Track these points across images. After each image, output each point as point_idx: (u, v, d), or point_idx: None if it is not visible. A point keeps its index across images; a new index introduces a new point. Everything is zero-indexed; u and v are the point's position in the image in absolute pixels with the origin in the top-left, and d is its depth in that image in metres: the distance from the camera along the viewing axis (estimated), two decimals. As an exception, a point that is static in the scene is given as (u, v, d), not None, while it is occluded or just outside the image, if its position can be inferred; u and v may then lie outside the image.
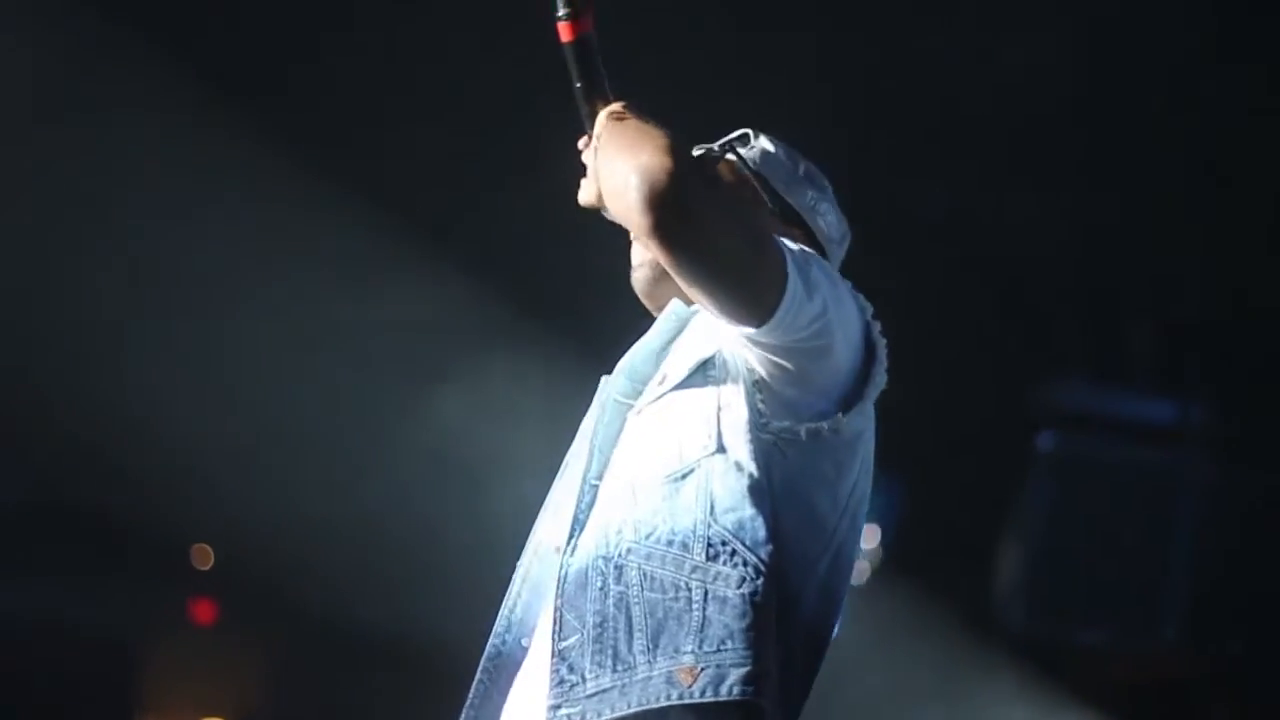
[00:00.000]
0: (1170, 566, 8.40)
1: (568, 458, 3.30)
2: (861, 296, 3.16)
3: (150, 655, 9.29)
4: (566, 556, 3.11)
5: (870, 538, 8.86)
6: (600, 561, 3.08)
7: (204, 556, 8.98)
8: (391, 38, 7.77)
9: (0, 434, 8.23)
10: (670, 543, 3.05)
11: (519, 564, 3.28)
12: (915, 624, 8.21)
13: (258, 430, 7.81)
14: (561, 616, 3.08)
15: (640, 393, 3.23)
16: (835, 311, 3.06)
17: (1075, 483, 8.37)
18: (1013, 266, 8.35)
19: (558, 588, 3.09)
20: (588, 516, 3.14)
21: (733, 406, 3.09)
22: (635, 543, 3.06)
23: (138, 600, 8.95)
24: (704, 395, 3.12)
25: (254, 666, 9.15)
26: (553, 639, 3.08)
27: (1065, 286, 8.45)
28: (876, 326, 3.16)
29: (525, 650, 3.22)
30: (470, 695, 3.24)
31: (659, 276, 3.26)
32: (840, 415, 3.12)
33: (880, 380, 3.16)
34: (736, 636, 2.99)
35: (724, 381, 3.11)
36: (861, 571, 8.93)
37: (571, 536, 3.13)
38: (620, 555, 3.06)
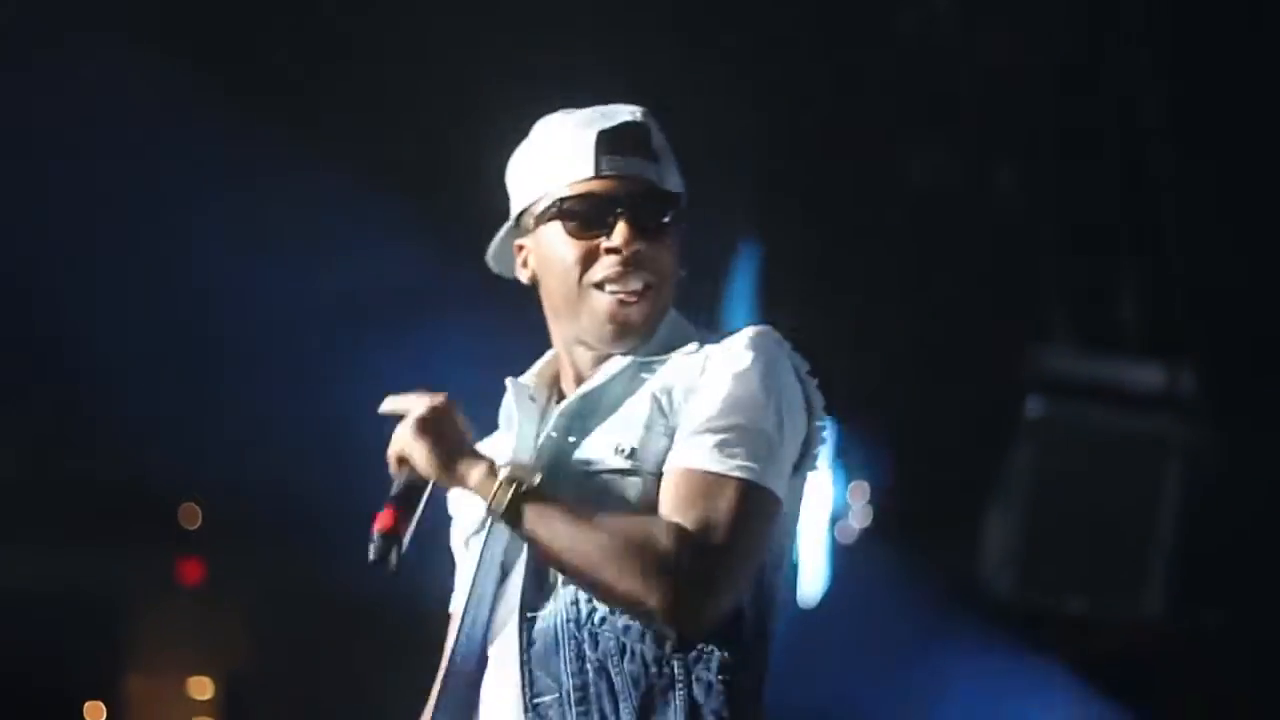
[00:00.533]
0: (1157, 534, 8.40)
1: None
2: (796, 356, 3.15)
3: (138, 616, 9.31)
4: (526, 612, 3.06)
5: (858, 495, 8.88)
6: (572, 626, 3.04)
7: (192, 516, 9.00)
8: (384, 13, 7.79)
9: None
10: None
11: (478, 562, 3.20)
12: (900, 591, 8.23)
13: (247, 391, 7.81)
14: (530, 673, 3.05)
15: (581, 443, 3.14)
16: (790, 424, 3.09)
17: (1063, 448, 8.37)
18: (1001, 232, 8.35)
19: (520, 645, 3.06)
20: (544, 568, 3.09)
21: None
22: (610, 613, 3.03)
23: (126, 561, 8.96)
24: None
25: (240, 626, 9.18)
26: (523, 691, 3.05)
27: (1054, 251, 8.45)
28: (812, 384, 3.15)
29: (484, 658, 3.16)
30: (436, 698, 3.19)
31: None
32: (794, 476, 3.13)
33: (822, 436, 3.17)
34: None
35: None
36: (849, 532, 8.96)
37: (528, 593, 3.08)
38: (594, 624, 3.03)
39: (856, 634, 8.26)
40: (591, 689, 3.02)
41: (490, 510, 3.00)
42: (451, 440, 3.03)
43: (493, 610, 3.13)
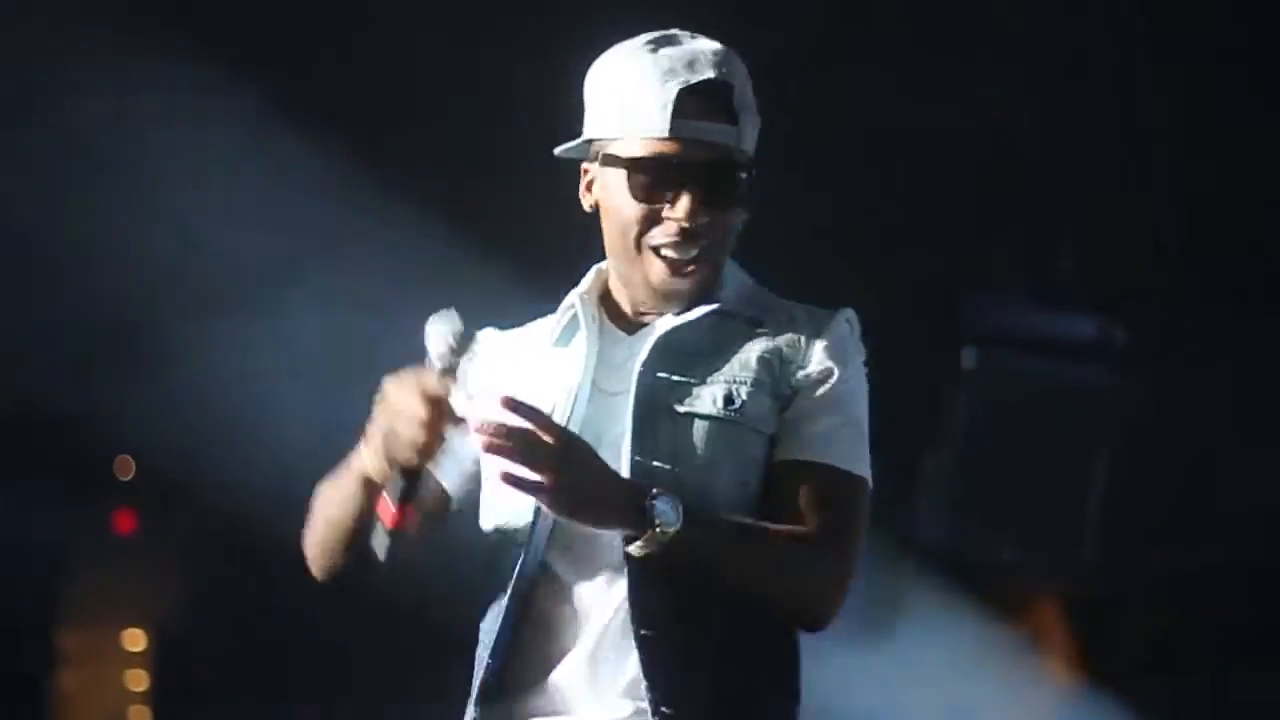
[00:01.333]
0: (1091, 485, 8.45)
1: (595, 381, 3.17)
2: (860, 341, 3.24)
3: (74, 567, 9.25)
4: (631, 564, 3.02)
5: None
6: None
7: (125, 467, 8.94)
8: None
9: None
10: None
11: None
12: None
13: (181, 339, 7.77)
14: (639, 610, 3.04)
15: (678, 384, 3.11)
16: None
17: (998, 399, 8.40)
18: (939, 182, 8.35)
19: (630, 587, 3.03)
20: None
21: None
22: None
23: (61, 511, 8.91)
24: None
25: (174, 578, 9.13)
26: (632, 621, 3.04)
27: (991, 202, 8.46)
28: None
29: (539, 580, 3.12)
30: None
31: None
32: None
33: None
34: None
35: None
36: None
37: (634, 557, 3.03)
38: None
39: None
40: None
41: (649, 542, 2.94)
42: (595, 487, 2.94)
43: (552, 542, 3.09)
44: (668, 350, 3.11)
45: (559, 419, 3.05)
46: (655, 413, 3.07)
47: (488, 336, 3.27)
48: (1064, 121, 8.24)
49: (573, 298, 3.23)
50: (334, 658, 8.42)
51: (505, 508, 3.12)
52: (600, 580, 3.06)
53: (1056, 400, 8.44)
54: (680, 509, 2.92)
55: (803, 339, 3.14)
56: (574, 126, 3.24)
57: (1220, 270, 8.32)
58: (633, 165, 3.09)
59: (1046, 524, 8.49)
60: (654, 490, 2.93)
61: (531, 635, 3.09)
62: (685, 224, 3.08)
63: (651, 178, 3.08)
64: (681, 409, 3.08)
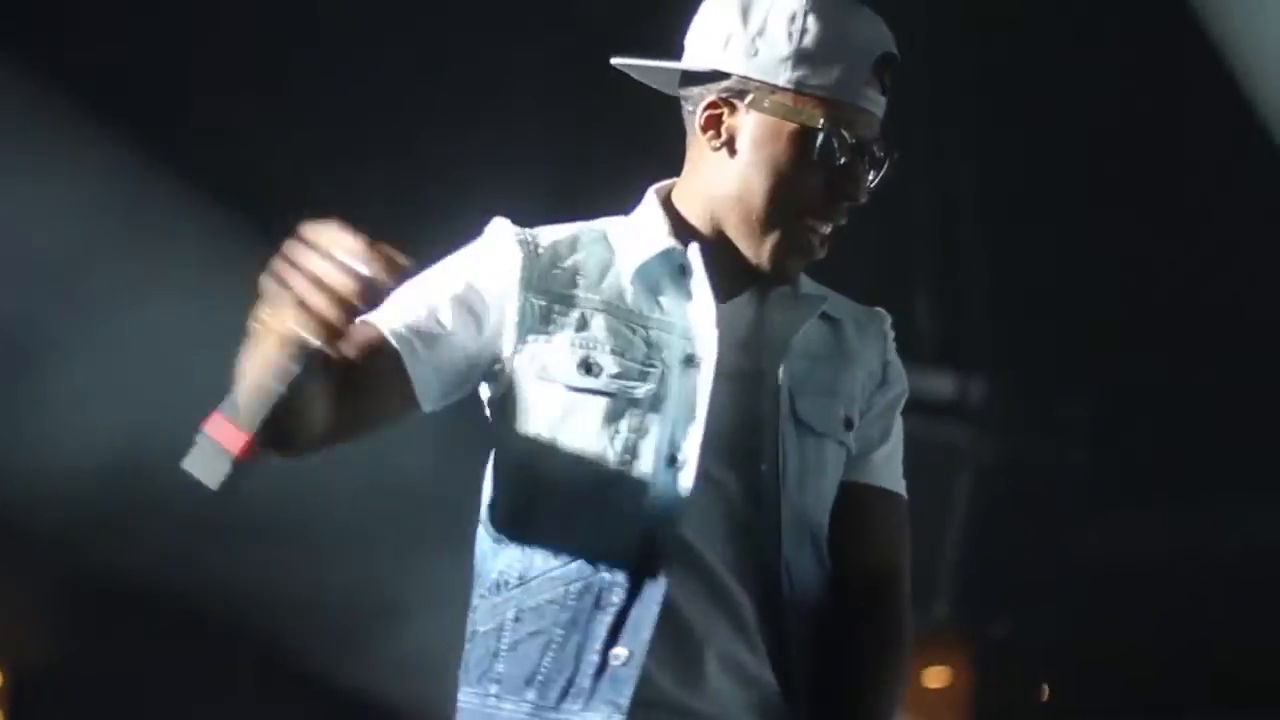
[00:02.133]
0: (945, 544, 8.50)
1: (728, 361, 3.00)
2: None
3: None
4: (788, 562, 2.98)
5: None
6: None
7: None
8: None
9: None
10: None
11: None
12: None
13: (40, 375, 7.71)
14: (784, 627, 3.06)
15: (805, 398, 3.02)
16: None
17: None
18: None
19: (783, 595, 2.99)
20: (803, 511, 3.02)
21: None
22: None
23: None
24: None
25: (33, 613, 9.05)
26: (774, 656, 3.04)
27: (849, 260, 8.54)
28: None
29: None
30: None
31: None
32: None
33: None
34: None
35: None
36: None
37: (790, 540, 2.98)
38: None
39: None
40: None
41: None
42: None
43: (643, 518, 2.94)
44: (802, 357, 3.02)
45: (698, 390, 2.89)
46: (789, 434, 2.99)
47: (533, 233, 3.04)
48: (919, 178, 8.34)
49: (668, 240, 2.99)
50: (200, 693, 8.37)
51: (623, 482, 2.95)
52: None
53: (914, 458, 8.51)
54: None
55: (878, 352, 3.15)
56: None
57: (1076, 330, 8.42)
58: (813, 124, 2.91)
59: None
60: None
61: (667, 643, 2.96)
62: (858, 199, 2.98)
63: (830, 144, 2.92)
64: (816, 428, 3.03)
